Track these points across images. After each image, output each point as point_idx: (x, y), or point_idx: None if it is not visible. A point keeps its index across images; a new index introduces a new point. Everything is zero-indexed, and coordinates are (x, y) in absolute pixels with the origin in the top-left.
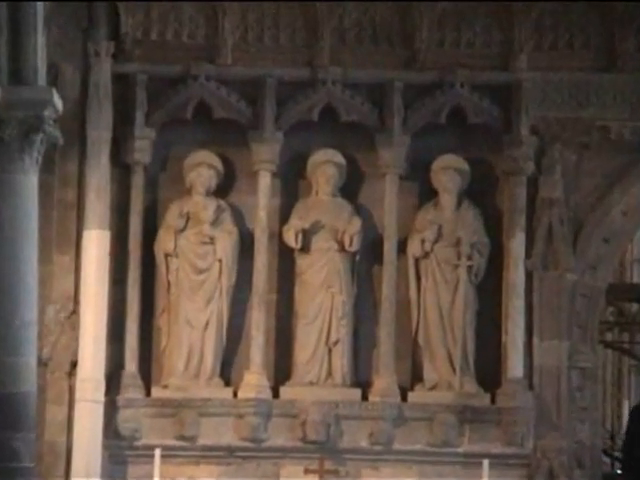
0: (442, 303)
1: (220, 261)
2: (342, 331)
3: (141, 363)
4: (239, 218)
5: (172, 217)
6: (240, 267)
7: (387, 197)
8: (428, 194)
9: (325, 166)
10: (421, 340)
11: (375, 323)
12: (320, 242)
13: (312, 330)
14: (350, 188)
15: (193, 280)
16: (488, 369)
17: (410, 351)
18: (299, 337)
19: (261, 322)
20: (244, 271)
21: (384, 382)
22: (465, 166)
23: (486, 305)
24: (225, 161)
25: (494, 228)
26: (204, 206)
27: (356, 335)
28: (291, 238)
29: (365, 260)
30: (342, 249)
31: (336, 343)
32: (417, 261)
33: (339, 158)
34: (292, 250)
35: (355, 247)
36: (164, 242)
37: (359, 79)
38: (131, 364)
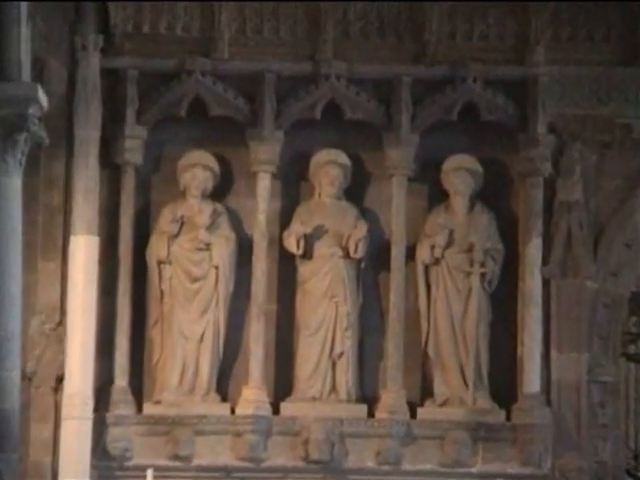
0: (454, 313)
1: (216, 268)
2: (347, 343)
3: (132, 377)
4: (237, 222)
5: (165, 222)
6: (238, 275)
7: (395, 200)
8: (438, 196)
9: (328, 167)
10: (431, 352)
11: (382, 334)
12: (323, 248)
13: (315, 342)
14: (355, 190)
15: (188, 289)
16: (503, 383)
17: (419, 364)
18: (301, 350)
19: (260, 334)
20: (242, 279)
21: (392, 397)
22: (478, 167)
23: (500, 315)
24: (222, 162)
25: (509, 233)
26: (199, 210)
27: (362, 347)
28: (292, 244)
29: (371, 267)
30: (347, 255)
31: (340, 356)
32: (427, 268)
33: (343, 158)
34: (293, 257)
35: (360, 253)
36: (157, 248)
37: (365, 74)
38: (121, 379)
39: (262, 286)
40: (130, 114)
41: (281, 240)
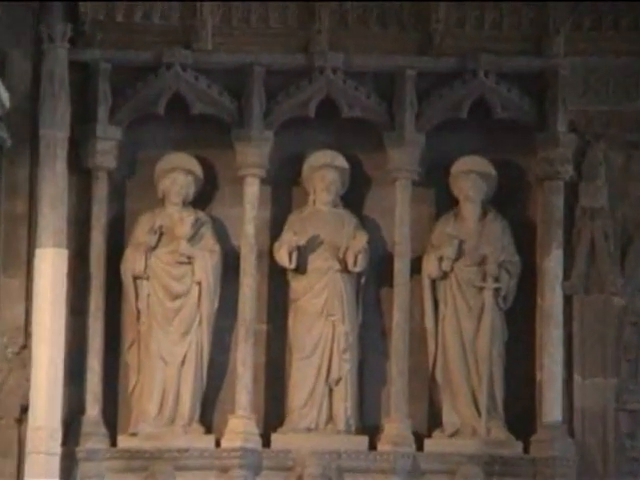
0: (464, 333)
1: (199, 284)
2: (345, 367)
3: (105, 407)
4: (222, 233)
5: (142, 232)
6: (223, 291)
7: (398, 207)
8: (447, 203)
9: (324, 171)
10: (439, 377)
11: (385, 357)
12: (318, 261)
13: (309, 366)
14: (354, 196)
15: (167, 307)
16: (520, 412)
17: (426, 390)
18: (294, 374)
19: (248, 357)
20: (228, 296)
21: (395, 427)
22: (491, 170)
23: (517, 335)
24: (205, 165)
25: (526, 244)
26: (180, 219)
27: (362, 372)
28: (284, 257)
29: (372, 282)
30: (345, 269)
31: (338, 381)
32: (434, 283)
33: (340, 161)
34: (285, 271)
35: (360, 267)
36: (132, 262)
37: (364, 67)
38: (93, 408)
39: (250, 304)
40: (102, 113)
41: (271, 252)
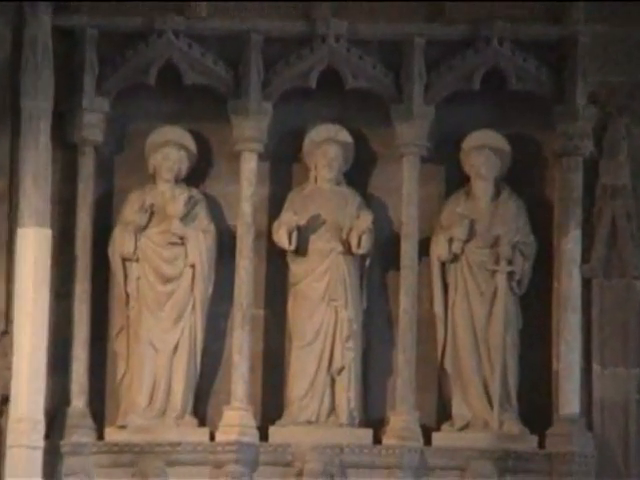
0: (476, 319)
1: (193, 267)
2: (348, 356)
3: (92, 398)
4: (217, 212)
5: (131, 211)
6: (218, 275)
7: (405, 185)
8: (457, 181)
9: (326, 146)
10: (449, 367)
11: (391, 345)
12: (320, 242)
13: (310, 355)
14: (358, 174)
15: (158, 291)
16: (535, 404)
17: (435, 381)
18: (293, 364)
19: (245, 345)
20: (223, 280)
21: (402, 420)
22: (505, 145)
23: (532, 322)
24: (199, 139)
25: (542, 224)
26: (172, 197)
27: (366, 361)
28: (283, 238)
29: (377, 265)
30: (348, 251)
31: (341, 371)
32: (444, 266)
33: (344, 135)
34: (284, 253)
35: (365, 248)
36: (121, 243)
37: (369, 35)
38: (79, 399)
39: (247, 288)
40: (88, 83)
41: (270, 233)
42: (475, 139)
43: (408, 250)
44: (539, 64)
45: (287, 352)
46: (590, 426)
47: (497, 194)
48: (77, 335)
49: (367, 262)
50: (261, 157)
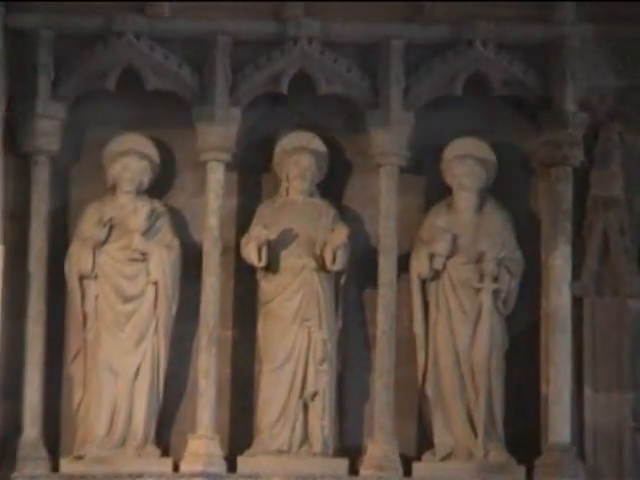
0: (459, 341)
1: (155, 285)
2: (322, 380)
3: (46, 426)
4: (181, 226)
5: (89, 225)
6: (183, 293)
7: (383, 196)
8: (439, 192)
9: (298, 155)
10: (430, 391)
11: (368, 368)
12: (292, 258)
13: (281, 379)
14: (333, 184)
15: (118, 311)
16: (522, 431)
17: (416, 407)
18: (264, 389)
19: (212, 368)
20: (189, 298)
21: (380, 449)
22: (489, 154)
23: (519, 343)
24: (162, 148)
25: (529, 239)
26: (133, 210)
27: (341, 385)
28: (252, 253)
29: (353, 282)
30: (322, 268)
31: (314, 396)
32: (424, 283)
33: (317, 144)
34: (254, 270)
35: (340, 265)
36: (78, 260)
37: (344, 36)
38: (32, 428)
39: (214, 307)
40: (43, 87)
41: (238, 248)
42: (457, 148)
43: (386, 266)
44: (525, 68)
45: (257, 376)
46: (582, 455)
47: (481, 206)
48: (30, 358)
49: (342, 279)
50: (228, 167)
